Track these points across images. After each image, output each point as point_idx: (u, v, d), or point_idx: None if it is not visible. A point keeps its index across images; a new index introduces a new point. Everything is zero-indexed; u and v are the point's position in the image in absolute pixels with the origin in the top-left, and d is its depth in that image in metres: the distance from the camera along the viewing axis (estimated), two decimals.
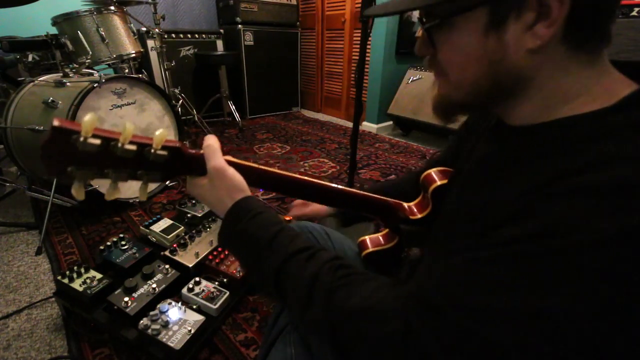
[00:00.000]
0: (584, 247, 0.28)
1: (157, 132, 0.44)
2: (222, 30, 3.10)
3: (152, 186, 1.74)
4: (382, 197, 0.62)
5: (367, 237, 0.70)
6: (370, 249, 0.68)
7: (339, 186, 0.60)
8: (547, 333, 0.29)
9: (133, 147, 0.43)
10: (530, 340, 0.29)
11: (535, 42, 0.33)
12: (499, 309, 0.30)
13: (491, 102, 0.41)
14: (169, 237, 1.29)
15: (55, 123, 0.39)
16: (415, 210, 0.63)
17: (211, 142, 0.49)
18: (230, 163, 0.51)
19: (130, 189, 1.65)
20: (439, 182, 0.60)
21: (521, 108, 0.39)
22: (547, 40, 0.33)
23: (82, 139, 0.39)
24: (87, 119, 0.39)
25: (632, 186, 0.28)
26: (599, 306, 0.28)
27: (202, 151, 0.50)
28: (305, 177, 0.58)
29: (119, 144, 0.42)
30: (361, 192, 0.62)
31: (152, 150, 0.44)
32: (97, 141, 0.40)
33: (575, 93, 0.35)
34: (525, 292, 0.30)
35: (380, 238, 0.69)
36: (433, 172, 0.62)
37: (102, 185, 1.49)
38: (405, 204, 0.64)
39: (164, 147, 0.45)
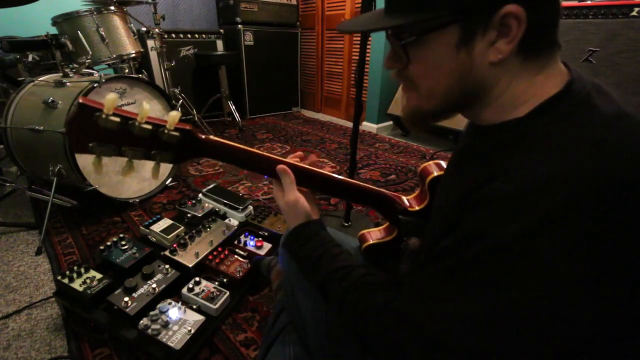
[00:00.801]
0: (487, 253, 0.33)
1: (171, 113, 0.47)
2: (222, 30, 3.09)
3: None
4: (381, 190, 0.64)
5: (367, 231, 0.71)
6: (370, 242, 0.69)
7: (341, 177, 0.62)
8: (491, 335, 0.33)
9: (148, 127, 0.47)
10: (483, 342, 0.33)
11: (497, 56, 0.37)
12: (454, 316, 0.35)
13: (459, 110, 0.45)
14: (169, 237, 1.29)
15: (81, 100, 0.43)
16: (414, 202, 0.65)
17: (292, 177, 0.58)
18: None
19: (131, 189, 1.65)
20: (435, 174, 0.61)
21: (484, 112, 0.43)
22: (507, 54, 0.37)
23: (104, 116, 0.43)
24: (109, 97, 0.43)
25: (516, 196, 0.33)
26: (514, 308, 0.32)
27: (211, 135, 0.55)
28: (310, 167, 0.61)
29: (136, 123, 0.46)
30: (362, 183, 0.64)
31: (166, 131, 0.48)
32: (117, 119, 0.44)
33: (524, 98, 0.39)
34: (463, 298, 0.35)
35: (380, 231, 0.70)
36: (430, 164, 0.63)
37: (103, 184, 1.50)
38: (404, 197, 0.65)
39: (176, 129, 0.49)
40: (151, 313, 0.91)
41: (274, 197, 0.62)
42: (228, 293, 1.03)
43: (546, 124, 0.36)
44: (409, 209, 0.64)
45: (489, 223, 0.34)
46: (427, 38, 0.39)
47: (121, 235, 1.24)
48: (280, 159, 0.59)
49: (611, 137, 0.33)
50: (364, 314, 0.44)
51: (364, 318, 0.43)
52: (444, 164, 0.62)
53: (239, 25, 3.02)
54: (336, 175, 0.62)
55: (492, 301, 0.33)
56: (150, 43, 2.58)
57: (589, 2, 1.72)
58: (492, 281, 0.33)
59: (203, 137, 0.53)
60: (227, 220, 1.43)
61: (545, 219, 0.31)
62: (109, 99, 0.42)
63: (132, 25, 1.87)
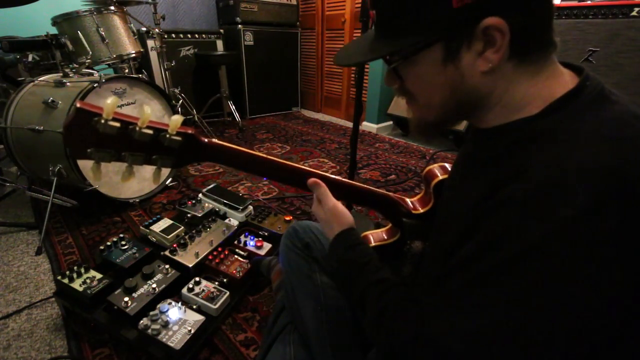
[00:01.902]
0: (514, 257, 0.32)
1: (173, 117, 0.46)
2: (222, 30, 3.09)
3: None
4: (385, 192, 0.64)
5: (369, 233, 0.71)
6: (373, 244, 0.69)
7: (345, 179, 0.62)
8: (513, 345, 0.32)
9: (149, 132, 0.45)
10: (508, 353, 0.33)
11: (487, 66, 0.38)
12: (486, 334, 0.34)
13: (460, 117, 0.46)
14: (169, 237, 1.29)
15: (78, 104, 0.41)
16: (418, 205, 0.64)
17: (324, 186, 0.60)
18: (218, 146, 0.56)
19: (131, 189, 1.65)
20: (440, 177, 0.61)
21: (488, 116, 0.43)
22: (497, 62, 0.37)
23: (103, 121, 0.41)
24: (109, 102, 0.41)
25: (538, 195, 0.32)
26: (545, 312, 0.31)
27: (214, 139, 0.53)
28: (313, 170, 0.60)
29: (137, 128, 0.44)
30: (365, 186, 0.63)
31: (167, 135, 0.46)
32: (117, 124, 0.43)
33: (527, 100, 0.39)
34: (496, 311, 0.33)
35: (383, 233, 0.70)
36: (435, 167, 0.63)
37: (103, 184, 1.50)
38: (408, 199, 0.65)
39: (178, 133, 0.47)
40: (151, 313, 0.91)
41: (313, 213, 0.63)
42: (228, 293, 1.03)
43: (562, 120, 0.36)
44: (413, 211, 0.63)
45: (512, 225, 0.33)
46: (413, 58, 0.41)
47: (121, 235, 1.24)
48: (286, 162, 0.59)
49: (630, 134, 0.32)
50: (401, 330, 0.43)
51: (401, 334, 0.43)
52: (448, 166, 0.62)
53: (239, 25, 3.02)
54: (340, 178, 0.62)
55: (526, 309, 0.32)
56: (150, 43, 2.58)
57: (589, 2, 1.72)
58: (522, 287, 0.32)
59: (206, 140, 0.52)
60: (227, 220, 1.43)
61: (571, 219, 0.30)
62: (109, 104, 0.40)
63: (132, 25, 1.87)
